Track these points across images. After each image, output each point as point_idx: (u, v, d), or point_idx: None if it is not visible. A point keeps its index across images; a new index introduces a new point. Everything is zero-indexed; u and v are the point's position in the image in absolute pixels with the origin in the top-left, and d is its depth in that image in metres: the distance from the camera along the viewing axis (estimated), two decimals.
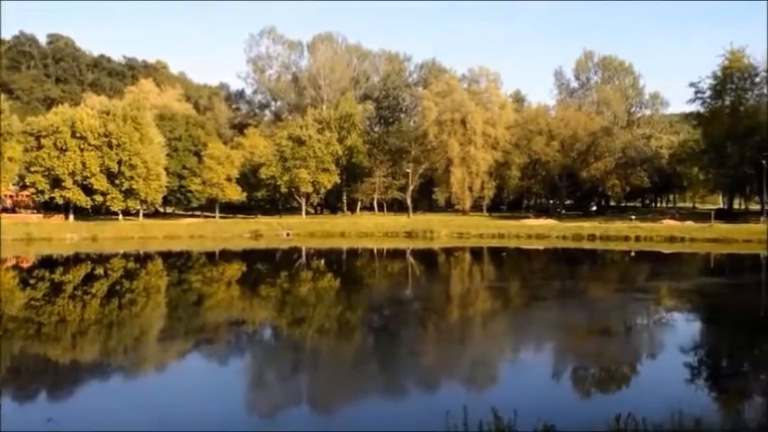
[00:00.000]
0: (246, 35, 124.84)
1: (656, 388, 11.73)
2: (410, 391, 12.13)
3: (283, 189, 75.32)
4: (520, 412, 5.96)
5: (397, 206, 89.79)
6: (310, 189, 75.19)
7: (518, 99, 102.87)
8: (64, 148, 61.85)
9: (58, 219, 63.48)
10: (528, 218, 71.26)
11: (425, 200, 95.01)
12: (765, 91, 72.12)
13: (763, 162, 62.80)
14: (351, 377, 13.05)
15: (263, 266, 38.07)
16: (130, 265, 37.17)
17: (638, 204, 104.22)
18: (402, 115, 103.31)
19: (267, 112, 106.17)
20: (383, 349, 15.83)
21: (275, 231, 59.28)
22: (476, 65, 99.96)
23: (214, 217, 73.71)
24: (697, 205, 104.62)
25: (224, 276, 32.01)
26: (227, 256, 43.76)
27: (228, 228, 60.29)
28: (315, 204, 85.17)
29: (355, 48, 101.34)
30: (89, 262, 38.10)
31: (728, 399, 11.06)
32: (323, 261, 41.39)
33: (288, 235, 58.03)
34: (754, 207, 79.85)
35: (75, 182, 62.46)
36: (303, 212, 77.06)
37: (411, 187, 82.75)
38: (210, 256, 43.11)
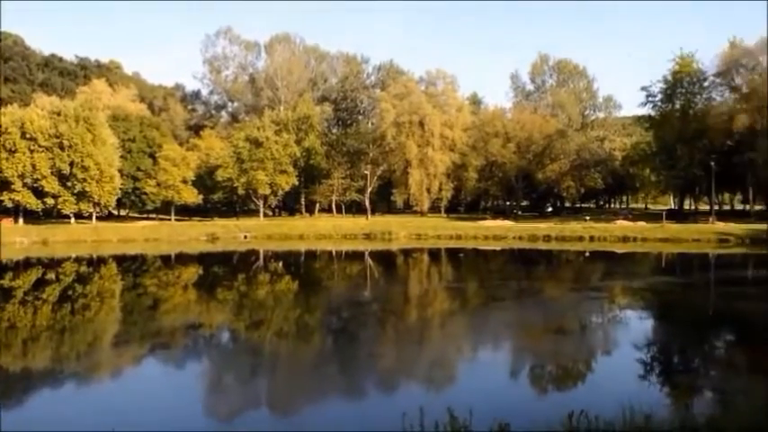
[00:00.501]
0: (202, 35, 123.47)
1: (609, 385, 12.00)
2: (369, 393, 12.17)
3: (240, 191, 74.63)
4: (476, 412, 6.04)
5: (355, 208, 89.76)
6: (268, 191, 74.68)
7: (475, 102, 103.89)
8: (13, 149, 60.23)
9: (7, 222, 61.70)
10: (485, 219, 71.99)
11: (384, 201, 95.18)
12: (713, 95, 74.42)
13: (712, 164, 64.66)
14: (309, 379, 13.02)
15: (219, 269, 37.66)
16: (83, 269, 36.40)
17: (592, 205, 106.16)
18: (360, 117, 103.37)
19: (224, 113, 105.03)
20: (342, 351, 15.83)
21: (232, 234, 58.72)
22: (433, 68, 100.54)
23: (170, 220, 72.62)
24: (649, 206, 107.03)
25: (180, 280, 31.57)
26: (183, 259, 43.17)
27: (184, 230, 59.48)
28: (272, 206, 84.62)
29: (313, 49, 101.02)
30: (40, 266, 37.21)
31: (679, 394, 11.38)
32: (281, 263, 41.15)
33: (245, 237, 57.53)
34: (704, 207, 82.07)
35: (24, 184, 60.88)
36: (261, 215, 76.47)
37: (369, 189, 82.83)
38: (166, 259, 42.49)
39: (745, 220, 64.43)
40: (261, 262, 41.87)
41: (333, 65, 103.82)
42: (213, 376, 13.72)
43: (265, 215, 78.59)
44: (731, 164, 67.42)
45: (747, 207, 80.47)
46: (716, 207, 79.81)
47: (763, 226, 52.15)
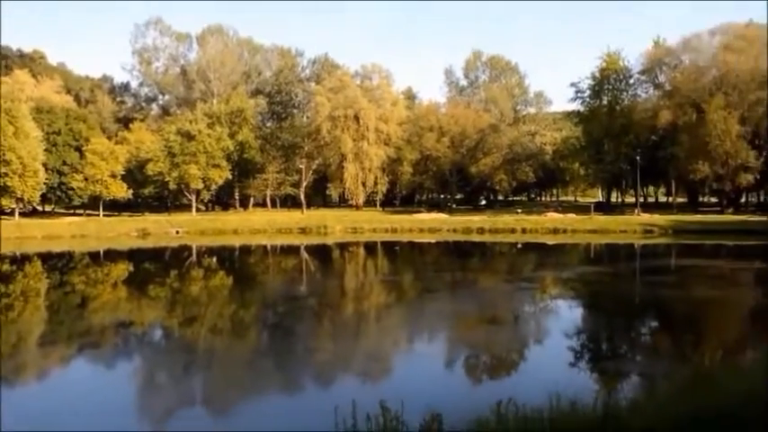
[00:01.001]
0: (131, 25, 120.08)
1: (540, 373, 12.37)
2: (304, 387, 12.17)
3: (172, 186, 73.06)
4: (410, 403, 6.14)
5: (290, 202, 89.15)
6: (200, 185, 73.39)
7: (410, 96, 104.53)
8: None
9: None
10: (420, 212, 72.67)
11: (319, 195, 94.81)
12: (639, 92, 77.21)
13: (637, 158, 67.13)
14: (245, 376, 12.93)
15: (151, 266, 36.81)
16: (5, 267, 34.95)
17: (524, 198, 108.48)
18: (295, 111, 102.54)
19: (154, 105, 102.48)
20: (278, 346, 15.75)
21: (164, 229, 57.45)
22: (368, 62, 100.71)
23: (98, 215, 70.47)
24: (578, 198, 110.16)
25: (109, 277, 30.71)
26: (112, 255, 42.00)
27: (113, 226, 57.85)
28: (205, 201, 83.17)
29: (246, 41, 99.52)
30: None
31: (606, 380, 11.82)
32: (215, 259, 40.54)
33: (177, 233, 56.38)
34: (630, 200, 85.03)
35: None
36: (193, 209, 75.10)
37: (304, 183, 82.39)
38: (94, 256, 41.24)
39: (668, 212, 67.30)
40: (194, 257, 41.15)
41: (267, 58, 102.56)
42: (145, 375, 13.44)
43: (198, 210, 77.23)
44: (655, 158, 70.29)
45: (670, 199, 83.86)
46: (641, 199, 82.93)
47: (684, 217, 54.52)
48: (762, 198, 78.80)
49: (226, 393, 11.74)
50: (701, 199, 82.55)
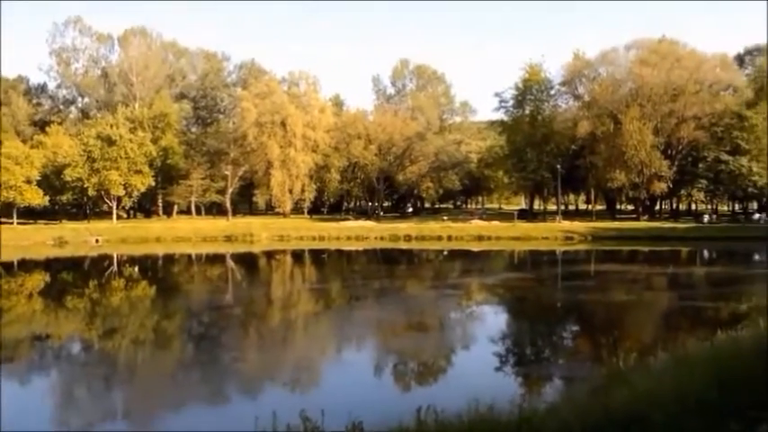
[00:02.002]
0: (49, 24, 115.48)
1: (463, 378, 12.65)
2: (229, 399, 12.05)
3: (91, 192, 70.57)
4: (333, 411, 6.19)
5: (216, 209, 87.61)
6: (122, 192, 71.19)
7: (337, 103, 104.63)
8: None
9: None
10: (348, 220, 72.73)
11: (245, 203, 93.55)
12: (559, 102, 79.92)
13: (558, 167, 69.29)
14: (168, 388, 12.68)
15: (69, 276, 35.45)
16: None
17: (450, 206, 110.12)
18: (221, 116, 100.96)
19: (73, 108, 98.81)
20: (202, 357, 15.49)
21: (83, 238, 55.45)
22: (296, 68, 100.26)
23: (12, 223, 67.40)
24: (503, 206, 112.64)
25: (24, 288, 29.44)
26: (27, 265, 40.27)
27: (29, 235, 55.45)
28: (127, 208, 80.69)
29: (171, 44, 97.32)
30: None
31: (527, 383, 12.21)
32: (137, 268, 39.44)
33: (97, 241, 54.52)
34: (552, 207, 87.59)
35: None
36: (114, 217, 72.76)
37: (230, 190, 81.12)
38: (7, 266, 39.40)
39: (587, 219, 69.80)
40: (115, 267, 39.91)
41: (192, 61, 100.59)
42: (64, 391, 12.98)
43: (119, 217, 74.86)
44: (575, 167, 72.82)
45: (590, 207, 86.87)
46: (562, 207, 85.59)
47: (602, 224, 56.57)
48: (674, 206, 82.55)
49: (147, 406, 11.50)
50: (618, 206, 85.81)
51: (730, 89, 71.87)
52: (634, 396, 5.70)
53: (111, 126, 72.24)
